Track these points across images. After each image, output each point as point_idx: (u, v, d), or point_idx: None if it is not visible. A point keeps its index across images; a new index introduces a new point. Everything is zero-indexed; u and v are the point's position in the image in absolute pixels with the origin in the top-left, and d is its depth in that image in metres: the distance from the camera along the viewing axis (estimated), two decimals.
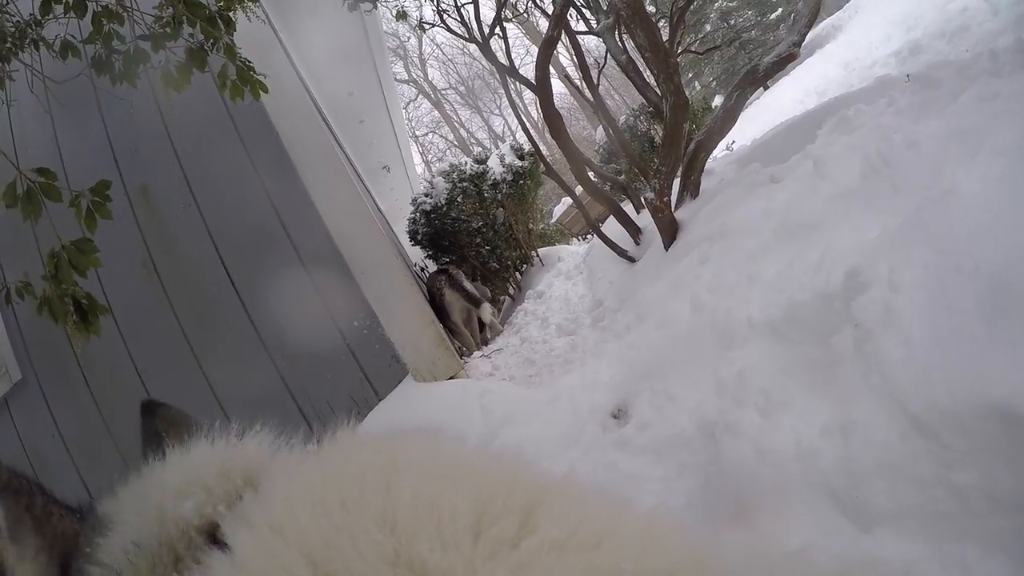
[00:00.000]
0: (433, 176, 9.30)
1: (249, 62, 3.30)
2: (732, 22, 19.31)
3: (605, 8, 6.08)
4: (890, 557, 1.09)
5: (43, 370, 5.23)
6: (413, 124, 25.18)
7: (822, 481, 1.24)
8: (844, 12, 16.92)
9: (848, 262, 1.99)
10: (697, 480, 2.04)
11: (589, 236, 13.33)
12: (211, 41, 3.16)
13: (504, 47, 6.11)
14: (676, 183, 5.38)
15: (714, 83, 18.39)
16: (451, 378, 4.67)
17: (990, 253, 1.23)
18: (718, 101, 14.02)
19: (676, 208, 5.26)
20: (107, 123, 5.11)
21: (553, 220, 14.73)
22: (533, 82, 5.45)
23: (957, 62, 3.86)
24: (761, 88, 10.30)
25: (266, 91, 3.35)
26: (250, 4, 3.16)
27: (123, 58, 3.16)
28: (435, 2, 6.33)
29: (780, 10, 20.41)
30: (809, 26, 4.68)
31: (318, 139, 4.92)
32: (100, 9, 3.12)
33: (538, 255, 10.18)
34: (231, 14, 3.16)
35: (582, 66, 6.14)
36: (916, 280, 1.39)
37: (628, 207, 7.45)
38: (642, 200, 5.30)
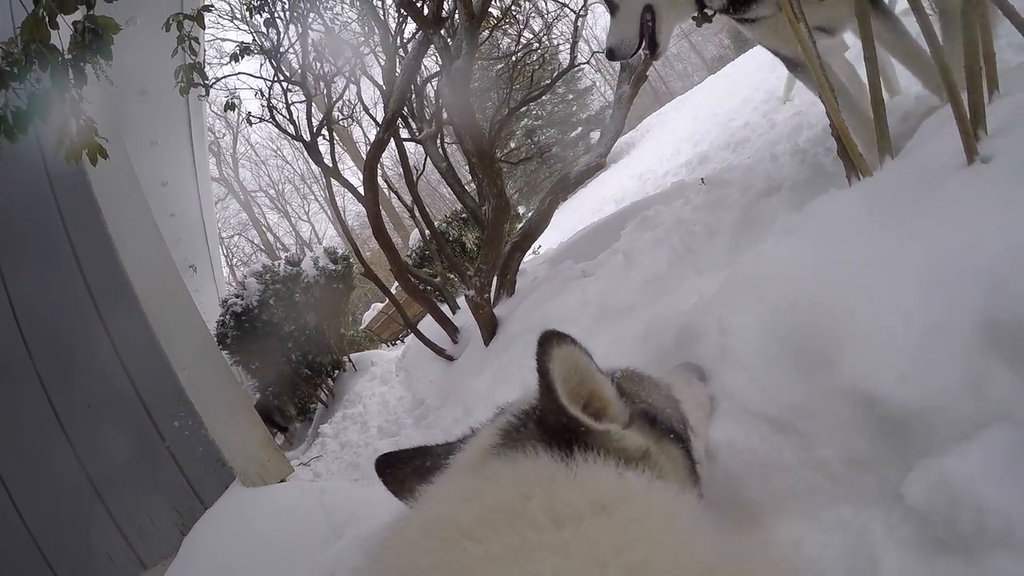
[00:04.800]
0: (245, 277, 9.05)
1: (93, 121, 3.15)
2: (536, 138, 20.90)
3: (428, 118, 6.45)
4: (779, 538, 1.28)
5: None
6: (220, 225, 24.26)
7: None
8: (636, 131, 18.80)
9: (677, 323, 2.27)
10: None
11: (399, 341, 13.37)
12: (58, 91, 2.98)
13: (330, 148, 6.24)
14: (493, 282, 5.66)
15: (516, 195, 19.58)
16: (281, 481, 4.43)
17: (799, 293, 1.50)
18: (521, 210, 14.94)
19: (494, 306, 5.50)
20: None
21: (363, 326, 14.65)
22: (356, 184, 5.63)
23: (743, 165, 4.50)
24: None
25: (105, 156, 3.15)
26: (102, 62, 3.01)
27: None
28: (265, 98, 6.38)
29: (580, 129, 22.37)
30: (615, 139, 5.28)
31: (142, 220, 4.64)
32: None
33: (351, 360, 10.07)
34: (84, 66, 2.99)
35: (405, 169, 6.40)
36: (742, 323, 1.63)
37: (444, 308, 7.65)
38: (464, 298, 5.52)
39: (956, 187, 1.44)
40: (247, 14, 6.59)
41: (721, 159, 7.84)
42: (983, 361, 1.13)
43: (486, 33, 6.50)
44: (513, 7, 6.99)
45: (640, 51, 3.05)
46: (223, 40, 9.93)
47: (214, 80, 6.46)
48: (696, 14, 2.95)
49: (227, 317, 8.86)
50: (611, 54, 3.11)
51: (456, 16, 5.17)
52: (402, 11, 5.56)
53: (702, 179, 5.04)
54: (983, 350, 1.13)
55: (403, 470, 1.04)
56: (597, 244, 5.50)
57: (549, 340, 0.95)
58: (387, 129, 5.05)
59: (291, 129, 6.61)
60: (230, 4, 8.12)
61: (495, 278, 5.50)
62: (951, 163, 1.52)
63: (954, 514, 1.05)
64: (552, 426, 0.94)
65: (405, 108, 6.19)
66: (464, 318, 6.32)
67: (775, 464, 1.36)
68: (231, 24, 8.71)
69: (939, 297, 1.23)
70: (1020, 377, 1.10)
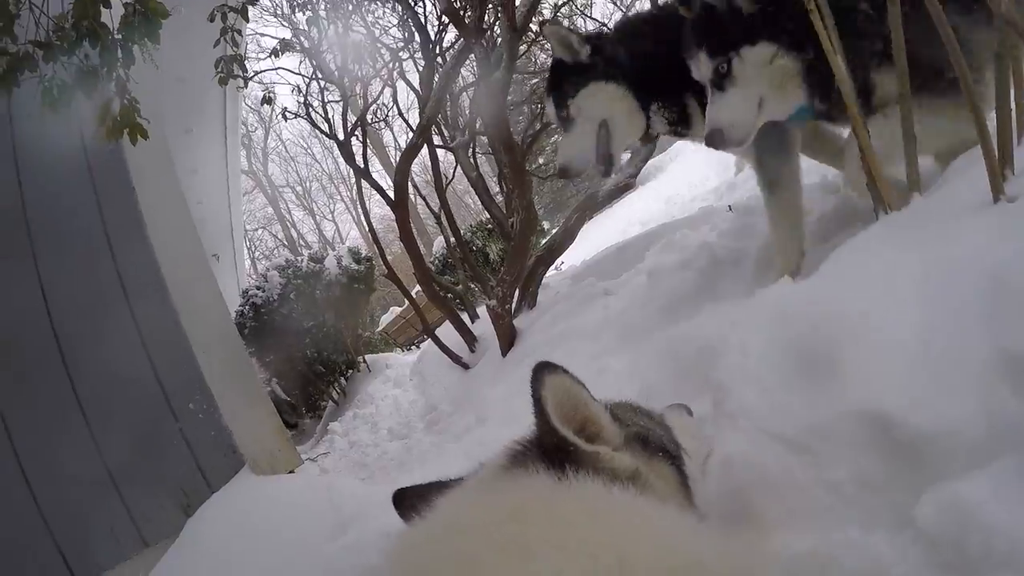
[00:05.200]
0: (268, 270, 9.16)
1: (136, 102, 3.23)
2: None
3: (461, 126, 6.52)
4: (785, 555, 1.31)
5: None
6: (246, 217, 24.41)
7: (710, 508, 1.44)
8: (666, 155, 18.65)
9: (697, 344, 2.29)
10: None
11: (414, 347, 13.42)
12: (105, 69, 3.06)
13: (362, 149, 6.33)
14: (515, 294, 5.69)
15: (542, 211, 19.58)
16: (290, 472, 4.48)
17: (820, 317, 1.54)
18: (545, 225, 14.95)
19: (514, 317, 5.53)
20: None
21: (379, 328, 14.73)
22: (384, 186, 5.71)
23: None
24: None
25: (146, 136, 3.24)
26: (150, 45, 3.10)
27: (7, 60, 2.99)
28: (302, 95, 6.48)
29: None
30: (645, 161, 5.32)
31: (175, 204, 4.72)
32: None
33: (365, 361, 10.12)
34: (132, 47, 3.08)
35: (436, 176, 6.47)
36: (763, 344, 1.66)
37: (463, 317, 7.68)
38: (485, 308, 5.57)
39: (981, 223, 1.47)
40: (290, 11, 6.71)
41: (749, 187, 7.77)
42: (997, 389, 1.15)
43: (524, 47, 6.57)
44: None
45: (594, 167, 3.11)
46: (262, 35, 10.07)
47: (253, 73, 6.57)
48: (643, 134, 3.06)
49: (247, 308, 8.96)
50: (564, 172, 3.14)
51: (497, 27, 5.25)
52: (444, 19, 5.65)
53: (729, 206, 5.05)
54: (998, 378, 1.16)
55: (419, 503, 1.12)
56: (621, 264, 5.52)
57: (542, 370, 1.08)
58: (421, 135, 5.13)
59: (325, 127, 6.71)
60: (272, 1, 8.29)
61: (517, 290, 5.54)
62: (978, 201, 1.55)
63: (963, 537, 1.07)
64: (548, 446, 1.04)
65: (439, 115, 6.26)
66: (482, 327, 6.36)
67: (788, 483, 1.39)
68: (272, 20, 8.87)
69: (958, 325, 1.26)
70: None
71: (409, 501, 1.19)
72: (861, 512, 1.28)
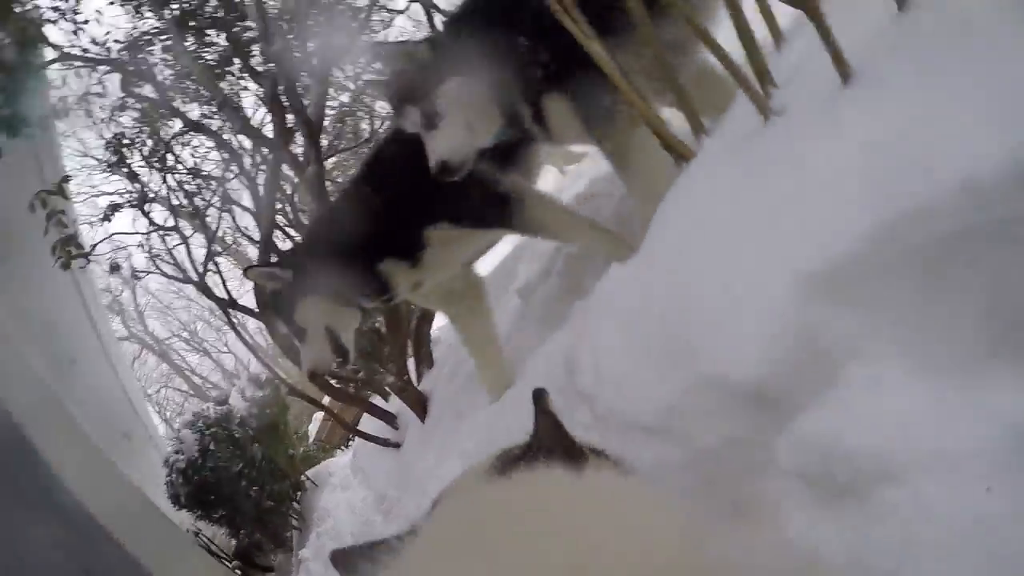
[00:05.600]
0: (179, 430, 8.86)
1: None
2: None
3: None
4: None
5: None
6: (143, 382, 23.15)
7: None
8: None
9: (561, 356, 2.29)
10: None
11: (350, 441, 13.08)
12: None
13: (221, 281, 6.18)
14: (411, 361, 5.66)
15: None
16: None
17: (647, 299, 1.58)
18: None
19: (419, 382, 5.49)
20: None
21: (311, 439, 14.28)
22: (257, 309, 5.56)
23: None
24: None
25: None
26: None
27: None
28: (148, 250, 6.29)
29: None
30: None
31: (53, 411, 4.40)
32: None
33: (308, 478, 9.82)
34: None
35: None
36: (607, 343, 1.73)
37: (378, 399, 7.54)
38: (386, 387, 5.53)
39: (760, 149, 1.47)
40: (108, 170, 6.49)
41: (589, 178, 8.00)
42: (811, 314, 1.17)
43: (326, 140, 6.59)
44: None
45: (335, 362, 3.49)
46: (97, 196, 9.62)
47: (91, 248, 6.27)
48: (362, 316, 3.45)
49: (174, 476, 8.58)
50: (312, 375, 3.58)
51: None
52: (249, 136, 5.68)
53: None
54: (808, 304, 1.17)
55: (363, 564, 1.08)
56: (498, 290, 5.46)
57: (542, 392, 1.11)
58: (266, 251, 5.10)
59: (179, 273, 6.49)
60: (96, 159, 7.96)
61: (412, 357, 5.53)
62: (751, 125, 1.53)
63: (828, 467, 1.09)
64: (560, 449, 1.01)
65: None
66: (398, 403, 6.25)
67: (664, 466, 1.39)
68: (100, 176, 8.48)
69: (759, 267, 1.28)
70: (849, 316, 1.15)
71: (351, 561, 1.14)
72: (743, 467, 1.29)
